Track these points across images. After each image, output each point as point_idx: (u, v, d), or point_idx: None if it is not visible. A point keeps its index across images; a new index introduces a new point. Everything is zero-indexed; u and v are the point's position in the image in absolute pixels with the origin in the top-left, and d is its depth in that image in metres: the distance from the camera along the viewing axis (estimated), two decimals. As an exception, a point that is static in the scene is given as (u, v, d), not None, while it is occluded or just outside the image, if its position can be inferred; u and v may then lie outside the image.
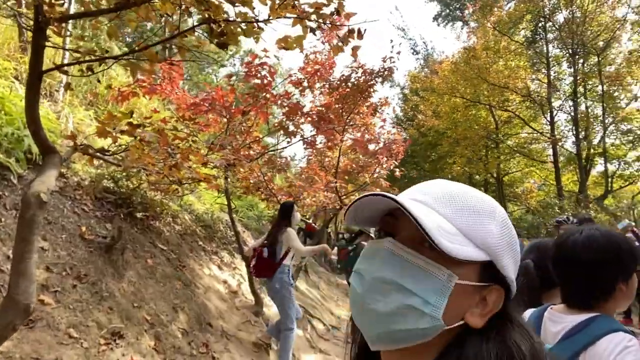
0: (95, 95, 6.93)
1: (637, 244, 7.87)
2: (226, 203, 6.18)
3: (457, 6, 27.67)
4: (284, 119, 5.68)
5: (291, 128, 5.78)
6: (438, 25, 30.77)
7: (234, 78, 6.12)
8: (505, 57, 17.06)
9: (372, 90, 7.15)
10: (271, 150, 5.94)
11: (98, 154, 2.70)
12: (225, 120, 5.58)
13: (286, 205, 4.93)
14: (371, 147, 7.60)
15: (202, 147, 4.74)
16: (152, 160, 2.94)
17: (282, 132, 5.91)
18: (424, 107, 19.55)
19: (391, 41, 15.59)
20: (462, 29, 24.91)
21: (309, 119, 5.97)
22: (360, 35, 2.61)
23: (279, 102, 5.69)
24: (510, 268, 0.63)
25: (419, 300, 0.58)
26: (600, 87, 15.98)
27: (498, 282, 0.62)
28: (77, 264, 3.75)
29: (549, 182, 20.61)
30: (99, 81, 7.04)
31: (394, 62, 7.08)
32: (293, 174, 9.81)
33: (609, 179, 15.97)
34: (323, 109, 6.69)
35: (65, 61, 5.28)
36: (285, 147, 6.19)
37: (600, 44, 15.01)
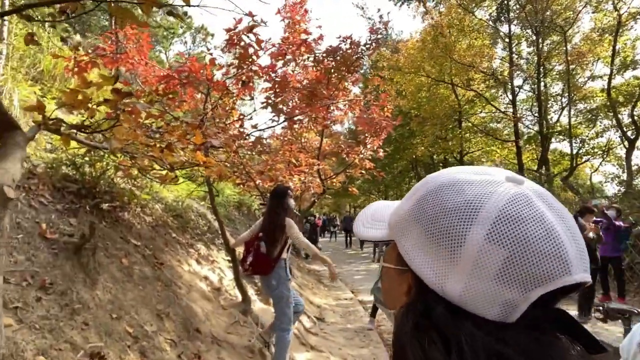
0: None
1: (603, 222, 7.92)
2: (199, 190, 5.50)
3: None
4: (271, 95, 5.04)
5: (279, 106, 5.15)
6: (395, 4, 30.54)
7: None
8: (470, 36, 16.99)
9: (359, 63, 6.62)
10: (257, 129, 5.29)
11: (74, 131, 2.02)
12: (202, 95, 4.88)
13: (279, 190, 4.34)
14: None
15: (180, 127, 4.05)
16: (143, 139, 2.28)
17: (269, 110, 5.27)
18: (388, 87, 19.26)
19: (378, 10, 14.95)
20: (418, 9, 24.79)
21: (299, 94, 5.36)
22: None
23: (265, 75, 5.04)
24: (413, 251, 0.55)
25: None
26: (560, 67, 16.26)
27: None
28: (39, 271, 3.02)
29: (509, 161, 21.05)
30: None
31: (382, 33, 6.57)
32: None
33: (574, 156, 16.38)
34: (308, 82, 6.10)
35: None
36: (272, 127, 5.53)
37: (563, 22, 15.15)
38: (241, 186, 6.87)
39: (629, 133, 14.16)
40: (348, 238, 24.74)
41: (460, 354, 0.46)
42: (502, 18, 17.57)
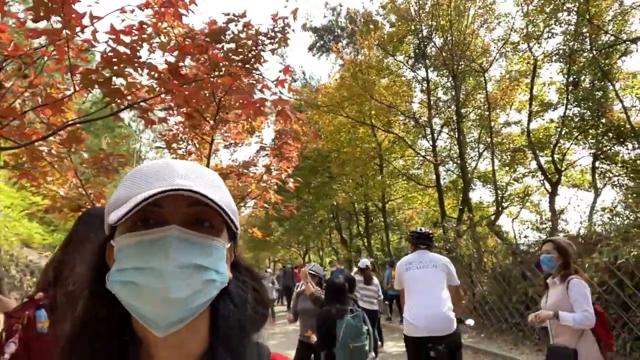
0: None
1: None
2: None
3: (331, 38, 27.51)
4: (100, 69, 3.15)
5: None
6: (313, 55, 30.37)
7: None
8: (389, 78, 16.46)
9: (259, 59, 4.99)
10: (83, 120, 3.26)
11: None
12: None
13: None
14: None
15: None
16: None
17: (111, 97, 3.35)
18: (306, 128, 18.05)
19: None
20: (335, 60, 24.51)
21: (157, 76, 3.52)
22: None
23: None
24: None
25: (213, 273, 0.65)
26: (478, 112, 16.11)
27: (234, 238, 0.73)
28: None
29: (430, 207, 20.43)
30: None
31: (288, 22, 5.04)
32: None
33: (499, 200, 15.86)
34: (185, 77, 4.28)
35: None
36: (106, 116, 3.57)
37: (478, 66, 15.05)
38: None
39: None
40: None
41: None
42: (419, 63, 17.40)
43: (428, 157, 17.36)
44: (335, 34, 27.98)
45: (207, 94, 3.69)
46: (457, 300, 4.18)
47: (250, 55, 5.07)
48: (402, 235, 21.43)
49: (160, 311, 0.61)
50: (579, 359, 3.04)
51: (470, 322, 4.41)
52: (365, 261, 7.85)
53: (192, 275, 0.62)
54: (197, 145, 5.32)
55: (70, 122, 3.08)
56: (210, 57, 4.56)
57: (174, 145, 5.51)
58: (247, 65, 4.92)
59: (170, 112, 4.71)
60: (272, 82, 4.49)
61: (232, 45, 4.77)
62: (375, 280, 7.78)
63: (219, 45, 4.63)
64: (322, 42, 29.10)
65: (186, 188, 0.60)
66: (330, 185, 18.97)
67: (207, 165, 5.09)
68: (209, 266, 0.64)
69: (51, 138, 3.12)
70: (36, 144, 3.38)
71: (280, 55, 31.23)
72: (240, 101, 4.61)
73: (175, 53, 3.62)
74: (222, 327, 0.70)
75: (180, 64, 3.81)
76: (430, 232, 4.48)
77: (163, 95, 3.73)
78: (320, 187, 20.40)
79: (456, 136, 15.58)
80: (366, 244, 21.84)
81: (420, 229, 4.51)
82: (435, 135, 17.28)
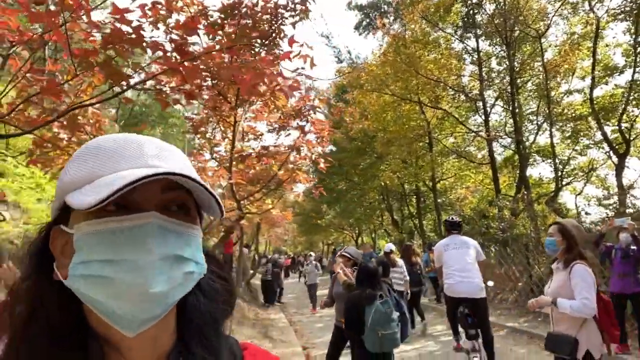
0: None
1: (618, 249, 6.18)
2: None
3: (377, 15, 26.66)
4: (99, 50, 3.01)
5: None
6: (360, 34, 29.71)
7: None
8: (436, 51, 15.64)
9: (280, 33, 4.74)
10: (82, 105, 3.18)
11: None
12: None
13: None
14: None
15: None
16: None
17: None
18: (352, 109, 17.66)
19: None
20: (382, 38, 23.77)
21: (165, 60, 3.35)
22: None
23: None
24: None
25: (193, 264, 0.59)
26: (535, 80, 14.97)
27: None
28: None
29: (484, 186, 19.46)
30: None
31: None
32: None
33: (559, 176, 14.77)
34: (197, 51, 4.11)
35: None
36: (108, 99, 3.45)
37: (534, 31, 13.89)
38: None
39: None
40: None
41: None
42: (468, 32, 16.39)
43: (480, 133, 16.45)
44: (382, 10, 27.16)
45: (212, 71, 3.48)
46: (483, 271, 5.49)
47: (271, 30, 4.84)
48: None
49: (136, 308, 0.55)
50: (579, 348, 2.89)
51: (490, 283, 5.64)
52: (390, 246, 8.50)
53: (172, 268, 0.57)
54: (223, 128, 5.19)
55: (73, 108, 3.00)
56: (226, 34, 4.38)
57: (202, 129, 5.41)
58: (266, 41, 4.69)
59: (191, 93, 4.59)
60: (291, 56, 4.22)
61: (249, 21, 4.53)
62: (400, 261, 8.38)
63: (234, 22, 4.41)
64: (367, 20, 28.40)
65: (177, 172, 0.54)
66: (378, 166, 18.49)
67: (232, 149, 4.94)
68: (188, 257, 0.59)
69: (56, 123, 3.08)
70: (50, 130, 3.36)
71: (325, 37, 30.86)
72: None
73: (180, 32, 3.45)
74: (194, 320, 0.65)
75: (190, 40, 3.63)
76: (460, 220, 5.97)
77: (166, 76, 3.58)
78: (368, 169, 19.96)
79: (511, 109, 14.57)
80: (418, 225, 21.25)
81: (453, 218, 5.97)
82: (488, 109, 16.33)
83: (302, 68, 4.66)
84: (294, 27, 4.99)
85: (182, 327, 0.65)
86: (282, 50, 4.93)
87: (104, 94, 3.77)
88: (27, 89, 3.00)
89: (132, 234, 0.54)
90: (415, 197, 22.06)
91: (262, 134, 6.42)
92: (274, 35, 4.74)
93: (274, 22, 4.73)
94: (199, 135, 5.49)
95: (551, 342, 3.06)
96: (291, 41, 3.95)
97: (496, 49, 16.20)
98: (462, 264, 5.30)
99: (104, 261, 0.53)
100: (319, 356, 7.41)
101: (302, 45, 4.70)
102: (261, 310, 14.01)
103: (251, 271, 17.40)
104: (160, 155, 0.60)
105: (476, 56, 15.97)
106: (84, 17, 3.27)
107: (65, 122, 3.07)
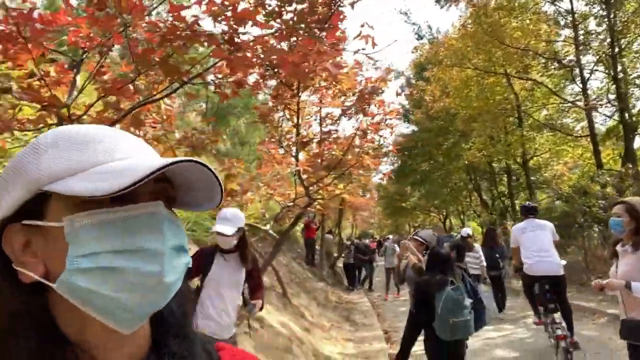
0: None
1: None
2: None
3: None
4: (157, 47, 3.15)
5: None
6: (441, 7, 28.28)
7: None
8: (522, 17, 14.40)
9: (340, 14, 4.64)
10: (144, 103, 3.37)
11: None
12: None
13: None
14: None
15: None
16: None
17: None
18: (432, 87, 16.94)
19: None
20: (465, 9, 22.35)
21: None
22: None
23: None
24: None
25: (188, 257, 0.60)
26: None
27: None
28: None
29: (584, 162, 17.73)
30: None
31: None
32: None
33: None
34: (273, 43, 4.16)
35: None
36: (168, 94, 3.62)
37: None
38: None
39: None
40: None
41: None
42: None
43: (578, 103, 14.95)
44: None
45: (263, 59, 3.50)
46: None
47: (330, 12, 4.75)
48: (551, 195, 18.94)
49: (145, 300, 0.54)
50: None
51: (562, 262, 5.66)
52: (466, 230, 8.56)
53: (179, 257, 0.57)
54: (289, 116, 5.24)
55: (135, 106, 3.22)
56: (284, 21, 4.38)
57: (270, 117, 5.52)
58: (325, 25, 4.61)
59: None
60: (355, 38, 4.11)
61: (305, 5, 4.49)
62: (477, 246, 8.38)
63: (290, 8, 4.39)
64: (449, -10, 26.99)
65: (199, 161, 0.54)
66: (461, 145, 17.61)
67: (297, 135, 4.98)
68: (187, 249, 0.60)
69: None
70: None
71: (404, 13, 29.80)
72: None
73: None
74: (168, 318, 0.63)
75: (241, 30, 3.69)
76: (536, 205, 6.47)
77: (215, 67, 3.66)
78: (452, 148, 19.11)
79: (613, 73, 13.03)
80: (510, 205, 19.98)
81: (528, 203, 6.38)
82: (586, 75, 14.76)
83: (363, 49, 4.52)
84: (353, 8, 4.86)
85: (156, 326, 0.63)
86: (341, 33, 4.83)
87: (175, 90, 4.00)
88: (99, 91, 3.29)
89: (147, 223, 0.54)
90: (506, 175, 20.75)
91: (338, 119, 6.40)
92: (330, 18, 4.64)
93: (332, 5, 4.64)
94: (267, 124, 5.62)
95: (627, 329, 2.88)
96: (336, 18, 3.84)
97: (594, 7, 14.55)
98: (539, 245, 5.59)
99: (115, 252, 0.52)
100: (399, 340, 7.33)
101: (362, 26, 4.58)
102: (344, 294, 14.23)
103: (335, 255, 17.64)
104: (142, 147, 0.61)
105: (570, 18, 14.46)
106: (147, 18, 3.46)
107: (131, 120, 3.32)
